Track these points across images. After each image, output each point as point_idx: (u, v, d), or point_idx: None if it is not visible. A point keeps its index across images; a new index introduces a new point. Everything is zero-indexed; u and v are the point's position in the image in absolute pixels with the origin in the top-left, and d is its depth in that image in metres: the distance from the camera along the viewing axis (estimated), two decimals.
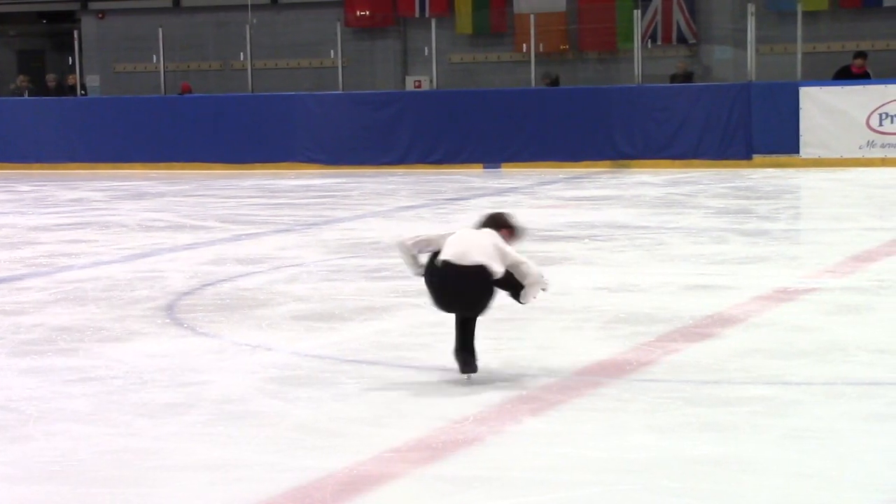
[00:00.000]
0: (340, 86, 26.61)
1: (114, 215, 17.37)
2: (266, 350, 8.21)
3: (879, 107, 22.22)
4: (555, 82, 26.42)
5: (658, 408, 6.50)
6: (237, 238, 14.38)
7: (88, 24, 33.17)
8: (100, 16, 33.21)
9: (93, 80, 32.23)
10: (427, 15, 29.68)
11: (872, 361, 7.50)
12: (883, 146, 22.17)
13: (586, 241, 13.43)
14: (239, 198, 19.89)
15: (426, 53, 27.14)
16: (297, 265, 12.11)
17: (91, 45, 32.79)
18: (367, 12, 30.75)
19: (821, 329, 8.49)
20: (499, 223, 7.41)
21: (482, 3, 30.19)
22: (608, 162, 23.84)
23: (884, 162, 21.97)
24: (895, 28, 27.46)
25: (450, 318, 7.27)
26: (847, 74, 24.05)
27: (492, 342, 8.22)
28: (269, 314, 9.46)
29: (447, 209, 17.54)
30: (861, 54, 24.57)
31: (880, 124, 22.24)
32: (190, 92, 28.40)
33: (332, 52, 27.70)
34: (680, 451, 5.76)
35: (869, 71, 24.35)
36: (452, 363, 7.19)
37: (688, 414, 6.40)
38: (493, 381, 7.15)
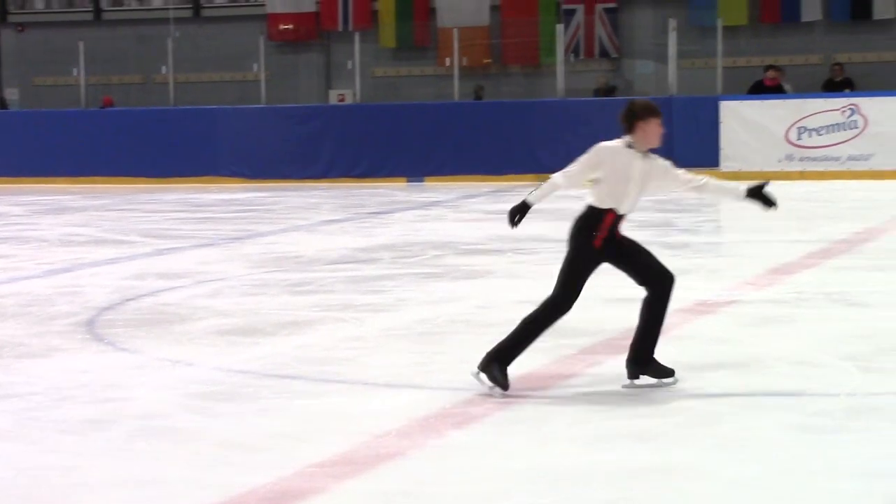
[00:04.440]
0: (263, 99, 26.54)
1: (34, 230, 17.21)
2: (188, 365, 8.16)
3: (798, 121, 22.48)
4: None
5: (581, 419, 6.53)
6: (159, 252, 14.28)
7: (8, 37, 32.86)
8: (19, 28, 32.90)
9: (12, 94, 31.92)
10: (350, 29, 29.67)
11: (792, 373, 7.57)
12: (801, 160, 22.43)
13: (510, 254, 13.47)
14: (162, 212, 19.76)
15: (349, 67, 27.13)
16: (219, 280, 12.05)
17: (10, 57, 32.49)
18: (291, 26, 30.69)
19: (741, 341, 8.56)
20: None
21: (405, 17, 30.22)
22: (531, 175, 23.88)
23: (802, 175, 22.21)
24: (813, 43, 27.81)
25: (370, 333, 7.25)
26: (761, 88, 24.36)
27: (414, 356, 8.23)
28: (191, 329, 9.40)
29: (371, 223, 17.53)
30: (773, 67, 24.91)
31: (799, 138, 22.50)
32: (112, 105, 28.20)
33: (254, 65, 27.62)
34: (605, 462, 5.79)
35: (783, 84, 24.67)
36: (375, 376, 7.17)
37: (611, 425, 6.43)
38: (415, 395, 7.16)
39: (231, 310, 10.23)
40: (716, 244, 15.00)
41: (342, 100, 29.23)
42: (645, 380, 7.19)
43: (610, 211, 7.42)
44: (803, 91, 24.83)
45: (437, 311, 9.93)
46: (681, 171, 7.56)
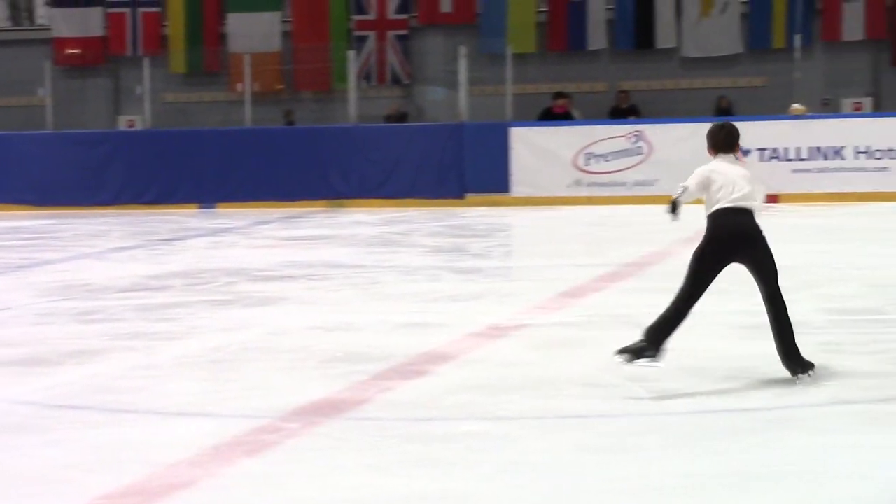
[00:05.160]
0: (50, 125, 26.00)
1: None
2: None
3: (586, 147, 22.92)
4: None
5: (374, 446, 6.53)
6: None
7: None
8: None
9: None
10: (140, 53, 29.28)
11: (582, 394, 7.69)
12: (589, 185, 22.86)
13: (302, 280, 13.43)
14: None
15: (139, 92, 26.78)
16: (5, 309, 11.75)
17: None
18: (78, 50, 30.14)
19: (532, 364, 8.66)
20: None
21: (196, 43, 29.96)
22: (324, 201, 23.93)
23: (590, 200, 22.64)
24: (599, 71, 28.40)
25: (161, 361, 7.15)
26: (550, 115, 24.82)
27: (206, 384, 8.14)
28: None
29: (162, 250, 17.29)
30: (561, 94, 25.43)
31: (587, 164, 22.93)
32: None
33: (40, 90, 27.06)
34: (396, 488, 5.80)
35: (571, 110, 25.17)
36: (166, 405, 7.06)
37: (404, 451, 6.44)
38: (208, 423, 7.07)
39: (18, 340, 9.98)
40: (507, 269, 15.18)
41: (132, 125, 28.81)
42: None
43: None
44: (591, 118, 25.35)
45: (230, 338, 9.85)
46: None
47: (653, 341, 7.72)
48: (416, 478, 5.96)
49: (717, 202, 7.74)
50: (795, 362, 7.72)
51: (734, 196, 7.68)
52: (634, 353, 7.73)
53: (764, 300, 7.75)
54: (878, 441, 6.45)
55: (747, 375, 8.03)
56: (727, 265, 7.76)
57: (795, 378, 7.67)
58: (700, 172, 7.85)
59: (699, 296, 7.72)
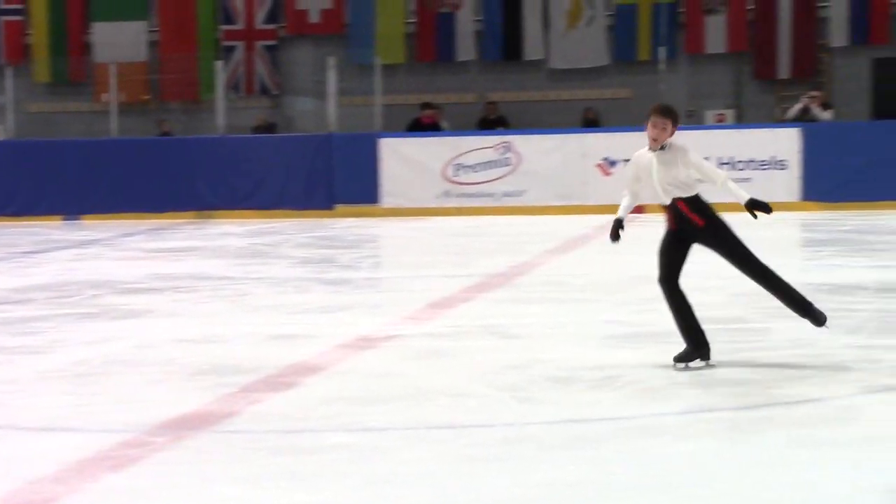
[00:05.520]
0: None
1: None
2: None
3: (455, 158, 23.00)
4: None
5: (242, 459, 6.48)
6: None
7: None
8: None
9: None
10: (2, 62, 28.79)
11: (451, 405, 7.70)
12: (458, 196, 22.94)
13: (169, 292, 13.29)
14: None
15: (1, 103, 26.31)
16: None
17: None
18: None
19: (402, 375, 8.66)
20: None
21: (60, 52, 29.54)
22: (192, 213, 23.71)
23: (459, 211, 22.73)
24: (467, 82, 28.53)
25: (23, 375, 7.03)
26: (418, 125, 24.89)
27: (71, 398, 8.02)
28: None
29: (25, 262, 17.00)
30: (429, 105, 25.51)
31: (456, 174, 23.01)
32: None
33: None
34: (264, 501, 5.76)
35: (440, 121, 25.26)
36: (29, 420, 6.93)
37: (272, 463, 6.40)
38: (72, 438, 6.96)
39: None
40: (376, 280, 15.17)
41: None
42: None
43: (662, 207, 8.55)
44: (460, 129, 25.46)
45: (95, 351, 9.71)
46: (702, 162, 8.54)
47: (694, 345, 8.46)
48: (285, 490, 5.92)
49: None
50: (813, 315, 8.53)
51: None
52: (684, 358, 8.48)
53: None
54: (741, 449, 6.55)
55: (614, 384, 8.11)
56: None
57: (823, 326, 8.57)
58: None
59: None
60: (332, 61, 24.60)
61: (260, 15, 29.28)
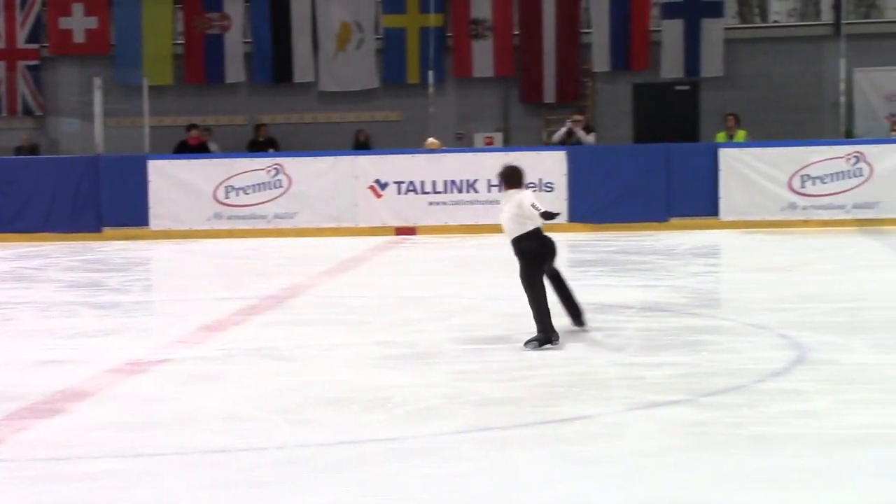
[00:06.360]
0: None
1: None
2: None
3: (225, 180, 22.74)
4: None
5: (7, 489, 6.34)
6: None
7: None
8: None
9: None
10: None
11: (222, 429, 7.67)
12: (230, 218, 22.75)
13: None
14: None
15: None
16: None
17: None
18: None
19: (173, 399, 8.58)
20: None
21: None
22: None
23: (231, 233, 22.56)
24: (237, 104, 28.41)
25: None
26: (185, 147, 24.70)
27: None
28: None
29: None
30: (195, 126, 25.35)
31: (227, 197, 22.76)
32: None
33: None
34: None
35: (208, 143, 25.10)
36: None
37: (39, 492, 6.28)
38: None
39: None
40: (146, 303, 14.97)
41: None
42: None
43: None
44: (230, 150, 25.30)
45: None
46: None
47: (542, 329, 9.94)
48: None
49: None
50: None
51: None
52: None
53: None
54: (512, 467, 6.67)
55: (387, 405, 8.18)
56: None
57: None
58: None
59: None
60: (97, 82, 24.18)
61: (21, 34, 28.67)
